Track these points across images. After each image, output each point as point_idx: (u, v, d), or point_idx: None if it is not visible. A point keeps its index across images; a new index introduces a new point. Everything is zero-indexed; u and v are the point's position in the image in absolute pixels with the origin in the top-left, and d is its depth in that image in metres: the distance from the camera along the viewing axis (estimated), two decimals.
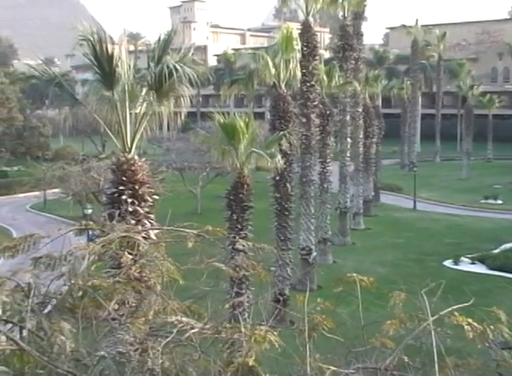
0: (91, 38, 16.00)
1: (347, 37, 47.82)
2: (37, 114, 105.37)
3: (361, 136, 52.48)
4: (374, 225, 53.15)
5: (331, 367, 6.19)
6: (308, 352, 6.23)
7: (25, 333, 6.10)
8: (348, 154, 48.36)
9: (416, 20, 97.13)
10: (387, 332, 6.75)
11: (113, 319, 6.62)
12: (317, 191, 39.84)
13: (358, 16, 53.94)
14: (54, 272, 7.01)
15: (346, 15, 47.78)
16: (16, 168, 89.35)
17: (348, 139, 48.22)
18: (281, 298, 28.37)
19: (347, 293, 7.48)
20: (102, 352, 5.68)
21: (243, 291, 23.36)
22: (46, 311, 6.58)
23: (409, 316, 6.75)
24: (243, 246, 8.75)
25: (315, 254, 36.72)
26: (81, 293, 6.72)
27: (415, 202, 61.02)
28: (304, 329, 6.56)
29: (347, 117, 48.06)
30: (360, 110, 52.03)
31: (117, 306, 6.77)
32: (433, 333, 6.24)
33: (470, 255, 41.35)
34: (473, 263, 40.33)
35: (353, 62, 48.10)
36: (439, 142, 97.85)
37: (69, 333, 6.03)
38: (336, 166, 46.19)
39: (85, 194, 54.52)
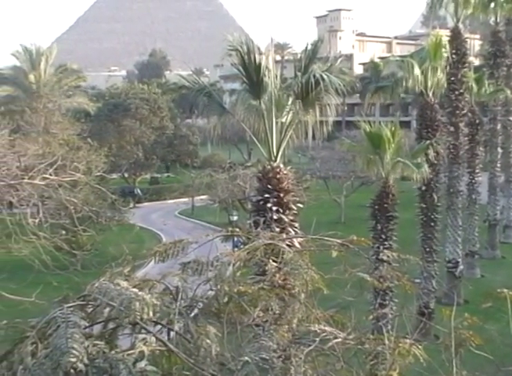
0: (240, 49, 16.36)
1: (499, 44, 46.19)
2: (187, 123, 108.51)
3: None
4: None
5: None
6: (454, 368, 6.07)
7: (172, 335, 6.31)
8: (499, 165, 46.69)
9: None
10: None
11: (257, 325, 6.71)
12: (465, 202, 38.76)
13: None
14: (201, 277, 7.20)
15: (498, 20, 46.26)
16: (166, 175, 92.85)
17: (499, 149, 46.58)
18: (426, 311, 27.66)
19: (496, 309, 7.23)
20: (246, 358, 5.75)
21: (387, 303, 23.07)
22: (193, 314, 6.77)
23: None
24: (388, 256, 8.64)
25: (461, 267, 35.66)
26: (226, 298, 6.86)
27: None
28: (451, 344, 6.39)
29: (498, 126, 46.47)
30: None
31: (261, 313, 6.86)
32: None
33: None
34: None
35: (505, 69, 46.38)
36: None
37: (214, 337, 6.17)
38: (485, 177, 44.73)
39: (231, 201, 55.56)
